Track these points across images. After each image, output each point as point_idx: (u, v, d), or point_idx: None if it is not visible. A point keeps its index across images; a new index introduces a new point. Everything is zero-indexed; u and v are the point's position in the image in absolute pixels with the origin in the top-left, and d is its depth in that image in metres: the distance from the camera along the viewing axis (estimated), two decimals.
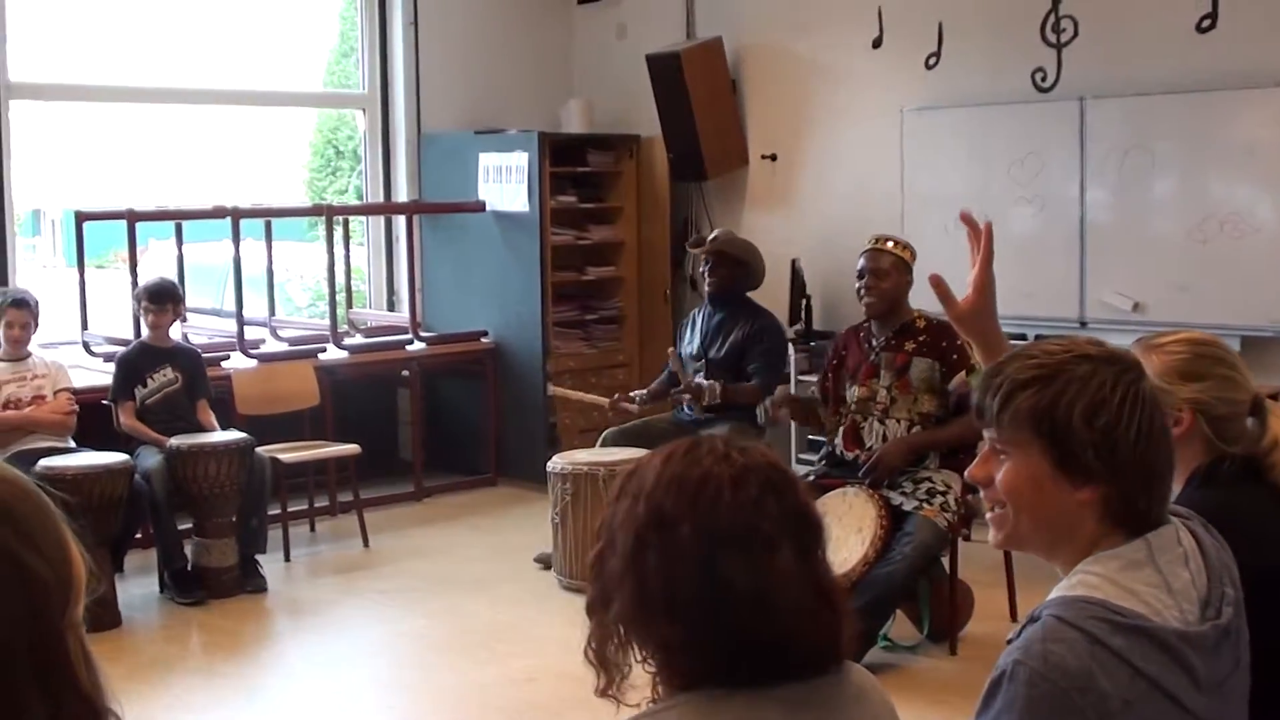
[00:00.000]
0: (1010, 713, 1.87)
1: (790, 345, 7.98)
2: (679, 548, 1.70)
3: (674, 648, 1.73)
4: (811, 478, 6.08)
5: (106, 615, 6.36)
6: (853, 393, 6.02)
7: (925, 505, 5.63)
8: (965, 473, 2.27)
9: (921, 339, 5.91)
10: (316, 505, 8.27)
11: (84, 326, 8.03)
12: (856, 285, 5.98)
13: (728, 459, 1.74)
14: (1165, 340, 2.78)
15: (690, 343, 7.36)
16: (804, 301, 8.66)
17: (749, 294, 7.38)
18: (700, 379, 7.02)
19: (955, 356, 5.78)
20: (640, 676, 1.81)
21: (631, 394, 7.44)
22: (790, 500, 1.73)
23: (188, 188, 11.17)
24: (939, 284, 2.60)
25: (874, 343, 6.01)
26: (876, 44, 8.51)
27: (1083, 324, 7.58)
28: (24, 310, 6.93)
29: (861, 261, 5.99)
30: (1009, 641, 1.96)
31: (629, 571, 1.74)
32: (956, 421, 5.76)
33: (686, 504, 1.71)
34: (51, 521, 1.37)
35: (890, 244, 6.01)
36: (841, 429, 6.09)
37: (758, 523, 1.69)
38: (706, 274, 7.33)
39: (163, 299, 7.23)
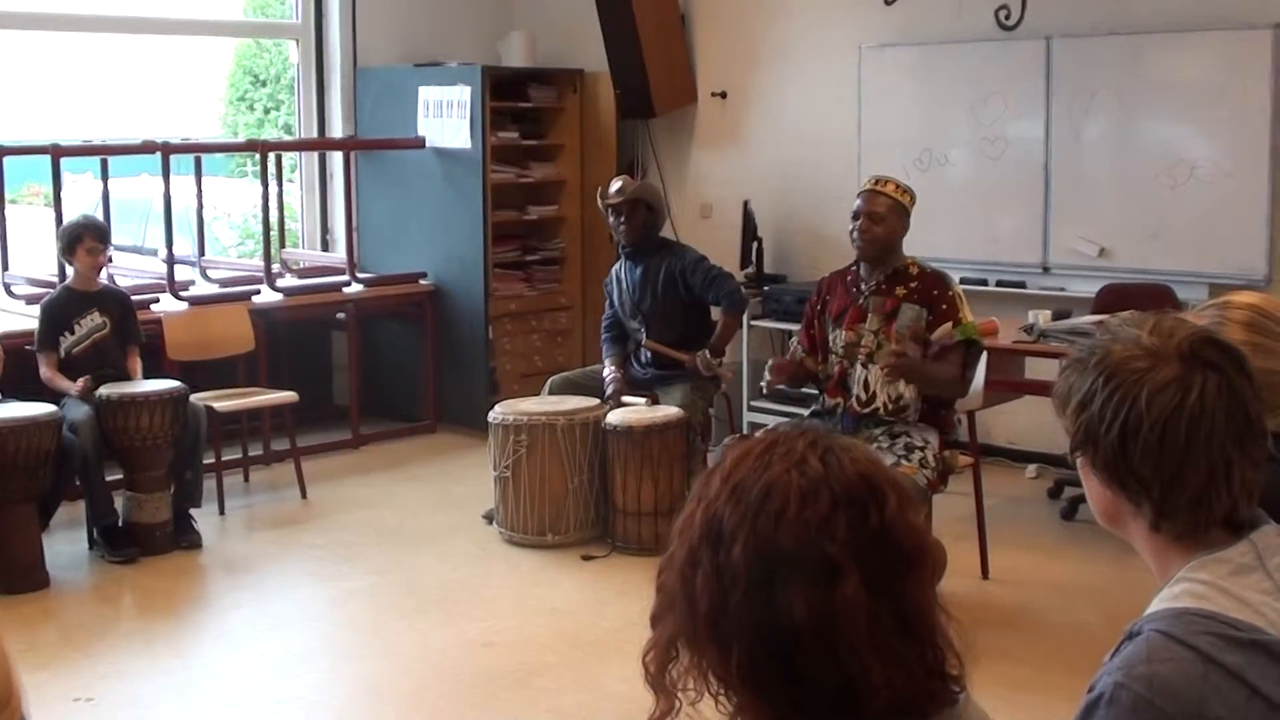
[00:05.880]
0: None
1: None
2: (731, 569, 1.46)
3: (734, 683, 1.48)
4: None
5: (33, 576, 6.03)
6: (838, 337, 5.72)
7: (904, 461, 5.40)
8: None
9: (913, 285, 5.62)
10: (250, 454, 7.93)
11: (4, 267, 7.60)
12: (849, 227, 5.67)
13: (803, 465, 1.48)
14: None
15: (621, 302, 7.09)
16: (755, 244, 8.41)
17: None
18: (700, 358, 6.74)
19: (944, 306, 5.54)
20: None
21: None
22: (873, 521, 1.45)
23: (103, 119, 10.70)
24: None
25: (862, 286, 5.71)
26: None
27: (1045, 269, 7.42)
28: None
29: (858, 202, 5.67)
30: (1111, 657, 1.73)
31: (680, 590, 1.51)
32: (948, 367, 5.51)
33: (745, 518, 1.47)
34: None
35: (890, 186, 5.70)
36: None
37: (822, 545, 1.43)
38: (623, 225, 7.00)
39: (107, 237, 6.85)
